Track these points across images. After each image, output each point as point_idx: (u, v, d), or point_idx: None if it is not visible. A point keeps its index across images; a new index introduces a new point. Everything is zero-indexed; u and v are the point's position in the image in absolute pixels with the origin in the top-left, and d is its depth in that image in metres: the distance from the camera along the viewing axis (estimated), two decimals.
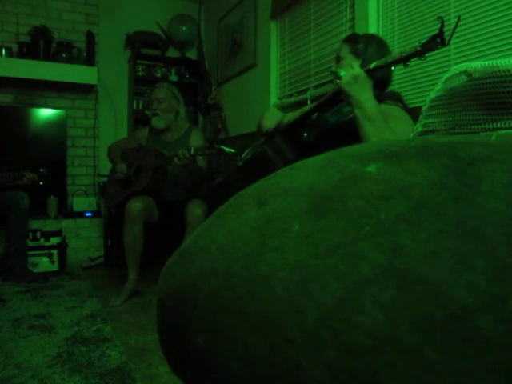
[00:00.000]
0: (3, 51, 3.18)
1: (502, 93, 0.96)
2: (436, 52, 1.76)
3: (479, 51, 1.60)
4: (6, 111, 3.27)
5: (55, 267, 2.82)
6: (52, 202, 3.17)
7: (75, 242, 3.25)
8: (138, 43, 3.77)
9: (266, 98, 2.99)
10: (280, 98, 2.92)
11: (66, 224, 3.22)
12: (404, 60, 1.14)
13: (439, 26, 1.05)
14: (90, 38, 3.45)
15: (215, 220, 0.49)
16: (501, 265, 0.30)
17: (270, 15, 2.93)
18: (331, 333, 0.32)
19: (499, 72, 0.95)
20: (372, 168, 0.41)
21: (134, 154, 2.51)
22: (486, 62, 0.99)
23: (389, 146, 0.44)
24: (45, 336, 1.69)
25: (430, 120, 1.18)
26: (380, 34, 2.05)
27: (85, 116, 3.61)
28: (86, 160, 3.62)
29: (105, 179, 3.10)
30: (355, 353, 0.30)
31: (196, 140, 2.52)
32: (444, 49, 1.72)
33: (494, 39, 1.55)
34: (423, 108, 1.21)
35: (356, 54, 1.42)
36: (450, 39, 1.04)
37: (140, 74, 3.80)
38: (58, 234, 2.90)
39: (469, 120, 1.07)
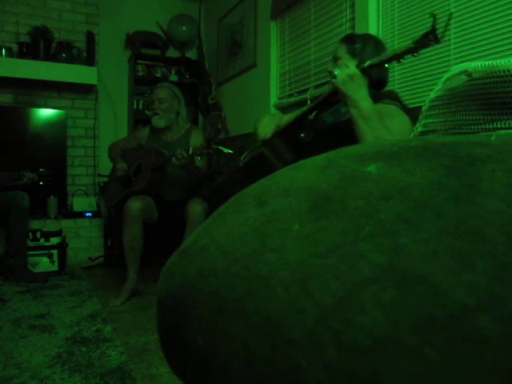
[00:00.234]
0: (3, 51, 3.18)
1: (501, 93, 0.96)
2: (436, 52, 1.77)
3: (479, 51, 1.60)
4: (5, 111, 3.27)
5: (55, 267, 2.82)
6: (52, 202, 3.17)
7: (75, 242, 3.25)
8: (138, 43, 3.77)
9: (266, 97, 2.99)
10: (280, 98, 2.92)
11: (66, 224, 3.22)
12: (398, 57, 1.14)
13: (433, 22, 1.05)
14: (90, 38, 3.45)
15: (215, 220, 0.49)
16: (501, 265, 0.30)
17: (270, 15, 2.93)
18: (331, 333, 0.32)
19: (499, 72, 0.95)
20: (372, 168, 0.41)
21: (134, 154, 2.51)
22: (486, 62, 0.99)
23: (389, 146, 0.44)
24: (45, 336, 1.69)
25: (430, 120, 1.18)
26: (380, 34, 2.05)
27: (85, 116, 3.61)
28: (86, 160, 3.62)
29: (105, 179, 3.10)
30: (355, 353, 0.30)
31: (196, 140, 2.52)
32: (444, 49, 1.73)
33: (494, 39, 1.55)
34: (423, 108, 1.21)
35: (353, 53, 1.42)
36: (442, 36, 1.06)
37: (140, 74, 3.80)
38: (58, 233, 2.90)
39: (469, 120, 1.07)
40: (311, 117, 1.55)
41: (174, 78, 3.88)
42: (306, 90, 2.58)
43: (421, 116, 1.22)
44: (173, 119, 2.56)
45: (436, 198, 0.35)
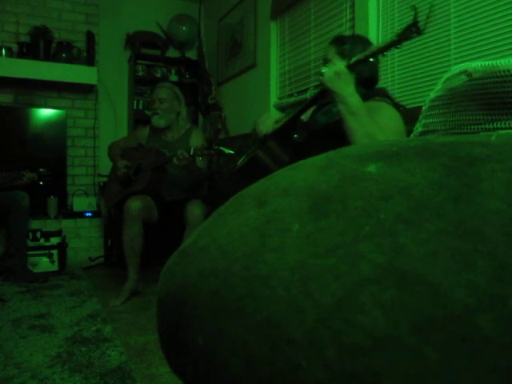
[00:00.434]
0: (3, 51, 3.18)
1: (501, 93, 0.96)
2: (436, 52, 1.77)
3: (479, 51, 1.60)
4: (6, 111, 3.27)
5: (55, 267, 2.82)
6: (52, 202, 3.17)
7: (75, 242, 3.25)
8: (138, 43, 3.77)
9: (265, 97, 2.99)
10: (280, 98, 2.92)
11: (66, 224, 3.22)
12: (382, 50, 1.18)
13: (415, 15, 1.09)
14: (90, 38, 3.45)
15: (215, 220, 0.49)
16: (501, 265, 0.30)
17: (270, 15, 2.93)
18: (331, 333, 0.32)
19: (499, 72, 0.95)
20: (372, 168, 0.41)
21: (134, 154, 2.50)
22: (486, 62, 0.99)
23: (389, 146, 0.44)
24: (45, 336, 1.69)
25: (430, 120, 1.18)
26: (380, 34, 2.06)
27: (85, 116, 3.61)
28: (86, 160, 3.62)
29: (105, 179, 3.10)
30: (355, 353, 0.30)
31: (196, 140, 2.51)
32: (444, 49, 1.73)
33: (494, 39, 1.55)
34: (423, 108, 1.21)
35: (342, 54, 1.44)
36: (424, 28, 1.09)
37: (140, 73, 3.80)
38: (58, 234, 2.90)
39: (469, 120, 1.07)
40: (306, 118, 1.56)
41: (173, 78, 3.88)
42: (305, 90, 2.58)
43: (421, 116, 1.22)
44: (173, 119, 2.56)
45: (436, 198, 0.35)
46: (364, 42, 1.49)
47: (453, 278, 0.30)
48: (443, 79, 1.12)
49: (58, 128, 3.39)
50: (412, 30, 1.09)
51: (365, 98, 1.30)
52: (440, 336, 0.29)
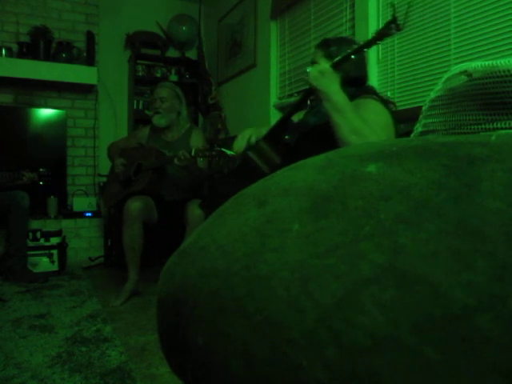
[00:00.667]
0: (3, 51, 3.18)
1: (501, 93, 0.96)
2: (436, 52, 1.77)
3: (479, 51, 1.60)
4: (6, 111, 3.27)
5: (55, 267, 2.82)
6: (52, 202, 3.17)
7: (75, 242, 3.25)
8: (138, 43, 3.77)
9: (266, 98, 2.99)
10: (280, 98, 2.92)
11: (66, 224, 3.22)
12: (363, 47, 1.22)
13: (393, 12, 1.13)
14: (90, 38, 3.45)
15: (215, 220, 0.49)
16: (501, 265, 0.30)
17: (270, 15, 2.93)
18: (331, 333, 0.32)
19: (499, 72, 0.95)
20: (372, 168, 0.41)
21: (134, 154, 2.50)
22: (486, 62, 0.99)
23: (389, 146, 0.44)
24: (45, 336, 1.69)
25: (430, 120, 1.18)
26: None
27: (85, 116, 3.61)
28: (86, 160, 3.62)
29: (105, 179, 3.10)
30: (355, 353, 0.30)
31: (196, 140, 2.51)
32: (444, 49, 1.73)
33: (494, 39, 1.55)
34: (423, 108, 1.21)
35: (329, 56, 1.46)
36: (404, 24, 1.12)
37: (140, 73, 3.79)
38: (58, 234, 2.90)
39: (469, 120, 1.07)
40: (297, 119, 1.58)
41: (173, 78, 3.88)
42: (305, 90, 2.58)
43: (421, 116, 1.22)
44: (174, 119, 2.56)
45: (436, 198, 0.35)
46: (349, 42, 1.51)
47: (453, 278, 0.30)
48: (443, 79, 1.12)
49: (57, 128, 3.39)
50: (391, 27, 1.12)
51: (353, 96, 1.34)
52: (440, 336, 0.29)
